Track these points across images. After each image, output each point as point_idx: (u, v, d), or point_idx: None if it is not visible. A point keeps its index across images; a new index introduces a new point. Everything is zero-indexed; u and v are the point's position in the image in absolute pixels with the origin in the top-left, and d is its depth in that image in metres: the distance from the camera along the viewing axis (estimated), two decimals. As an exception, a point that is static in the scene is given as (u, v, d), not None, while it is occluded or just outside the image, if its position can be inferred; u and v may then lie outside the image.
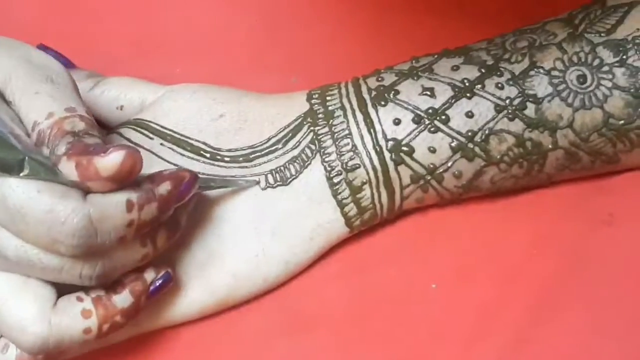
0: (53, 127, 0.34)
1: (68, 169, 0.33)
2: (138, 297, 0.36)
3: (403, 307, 0.41)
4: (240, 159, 0.40)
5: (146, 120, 0.41)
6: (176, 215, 0.37)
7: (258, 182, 0.40)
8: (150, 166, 0.40)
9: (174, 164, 0.40)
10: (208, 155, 0.40)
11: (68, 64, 0.44)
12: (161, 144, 0.41)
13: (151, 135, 0.41)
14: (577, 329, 0.39)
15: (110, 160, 0.32)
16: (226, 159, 0.41)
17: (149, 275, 0.37)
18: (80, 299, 0.35)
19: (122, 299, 0.36)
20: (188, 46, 0.48)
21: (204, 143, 0.41)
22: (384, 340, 0.40)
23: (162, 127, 0.41)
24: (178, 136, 0.41)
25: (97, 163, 0.32)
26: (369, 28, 0.48)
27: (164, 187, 0.35)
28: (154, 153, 0.40)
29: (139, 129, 0.41)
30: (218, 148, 0.41)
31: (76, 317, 0.35)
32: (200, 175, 0.38)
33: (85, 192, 0.33)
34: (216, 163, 0.40)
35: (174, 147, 0.41)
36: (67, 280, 0.35)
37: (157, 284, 0.37)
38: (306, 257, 0.41)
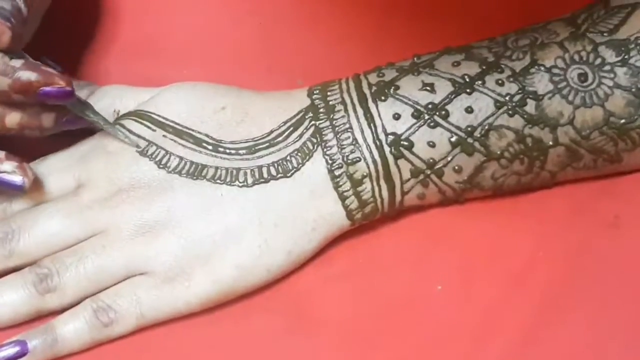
0: None
1: None
2: None
3: (408, 309, 0.41)
4: (243, 151, 0.41)
5: (148, 112, 0.42)
6: (40, 113, 0.39)
7: (138, 147, 0.41)
8: None
9: (177, 155, 0.41)
10: (210, 147, 0.41)
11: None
12: (163, 135, 0.41)
13: (153, 127, 0.42)
14: (582, 331, 0.39)
15: None
16: (229, 151, 0.41)
17: (4, 165, 0.39)
18: None
19: None
20: (195, 48, 0.48)
21: (206, 135, 0.41)
22: (389, 342, 0.40)
23: (164, 118, 0.42)
24: (180, 128, 0.42)
25: None
26: (374, 30, 0.48)
27: (28, 74, 0.37)
28: (156, 144, 0.41)
29: (140, 120, 0.42)
30: (220, 140, 0.41)
31: None
32: (82, 100, 0.41)
33: None
34: (219, 155, 0.41)
35: (176, 138, 0.41)
36: None
37: (4, 179, 0.39)
38: (308, 248, 0.41)
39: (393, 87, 0.41)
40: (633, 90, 0.40)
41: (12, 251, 0.40)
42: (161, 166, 0.41)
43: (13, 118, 0.39)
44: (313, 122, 0.41)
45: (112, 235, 0.40)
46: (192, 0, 0.49)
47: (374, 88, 0.41)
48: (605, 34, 0.41)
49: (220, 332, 0.40)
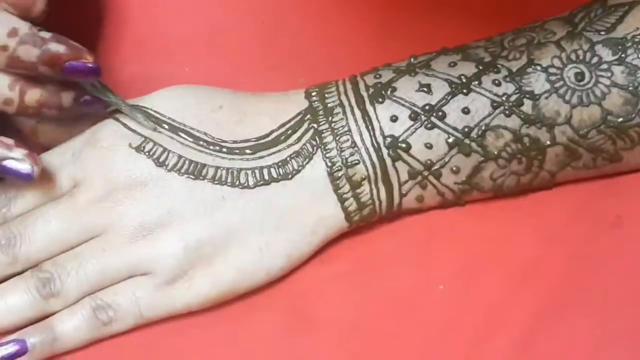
0: None
1: None
2: None
3: (410, 308, 0.41)
4: (247, 150, 0.41)
5: (144, 107, 0.42)
6: (59, 91, 0.39)
7: (155, 129, 0.41)
8: None
9: (175, 153, 0.41)
10: (210, 146, 0.41)
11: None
12: (159, 132, 0.41)
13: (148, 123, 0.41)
14: (584, 330, 0.39)
15: None
16: (229, 150, 0.41)
17: (14, 152, 0.38)
18: None
19: None
20: (196, 46, 0.48)
21: (205, 133, 0.41)
22: (391, 341, 0.40)
23: (160, 114, 0.42)
24: (177, 124, 0.41)
25: None
26: (375, 29, 0.48)
27: (57, 47, 0.38)
28: (153, 141, 0.41)
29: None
30: (220, 139, 0.41)
31: None
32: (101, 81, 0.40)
33: None
34: (219, 154, 0.41)
35: (174, 135, 0.41)
36: None
37: (12, 167, 0.39)
38: (308, 250, 0.41)
39: (390, 89, 0.41)
40: (630, 88, 0.40)
41: (15, 257, 0.40)
42: (159, 164, 0.40)
43: (33, 95, 0.38)
44: (312, 124, 0.41)
45: (111, 238, 0.40)
46: (194, -1, 0.50)
47: (371, 90, 0.41)
48: (602, 33, 0.41)
49: (221, 331, 0.41)
